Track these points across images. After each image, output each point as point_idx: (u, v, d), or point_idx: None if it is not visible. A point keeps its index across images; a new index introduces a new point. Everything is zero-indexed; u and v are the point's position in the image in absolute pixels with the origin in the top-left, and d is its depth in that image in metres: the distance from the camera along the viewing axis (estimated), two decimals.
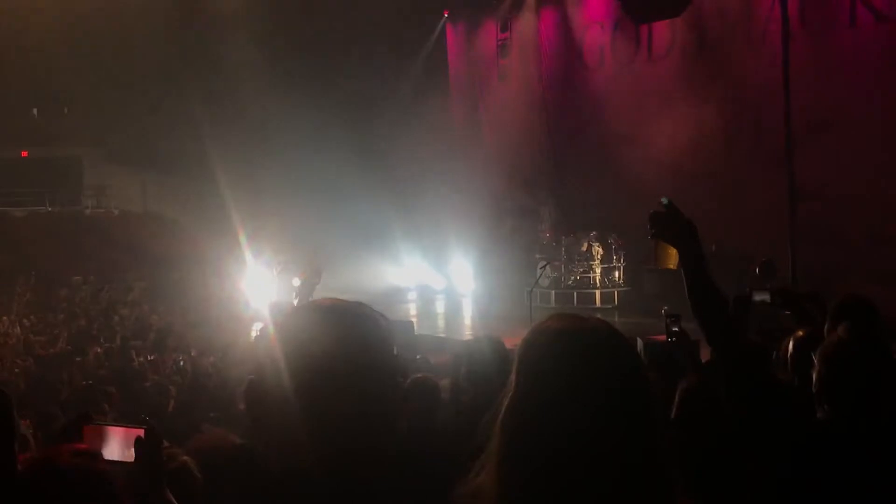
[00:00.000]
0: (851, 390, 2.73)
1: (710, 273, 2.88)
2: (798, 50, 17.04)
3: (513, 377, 1.75)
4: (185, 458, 2.92)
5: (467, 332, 18.43)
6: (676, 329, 5.32)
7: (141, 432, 2.44)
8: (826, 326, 3.99)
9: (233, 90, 24.04)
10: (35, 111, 28.23)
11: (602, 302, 20.04)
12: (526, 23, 23.51)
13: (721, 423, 3.36)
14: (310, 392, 1.65)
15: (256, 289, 20.46)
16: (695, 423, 3.85)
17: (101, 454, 2.42)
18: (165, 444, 2.61)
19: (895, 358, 2.79)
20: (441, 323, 20.73)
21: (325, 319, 1.75)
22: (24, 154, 27.98)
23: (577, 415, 1.64)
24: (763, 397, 2.75)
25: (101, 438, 2.47)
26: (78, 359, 12.20)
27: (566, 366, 1.70)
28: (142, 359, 12.17)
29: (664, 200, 2.89)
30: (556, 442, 1.63)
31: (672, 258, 2.96)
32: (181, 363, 11.93)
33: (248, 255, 20.78)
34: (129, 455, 2.43)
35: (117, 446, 2.45)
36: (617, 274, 20.43)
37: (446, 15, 25.43)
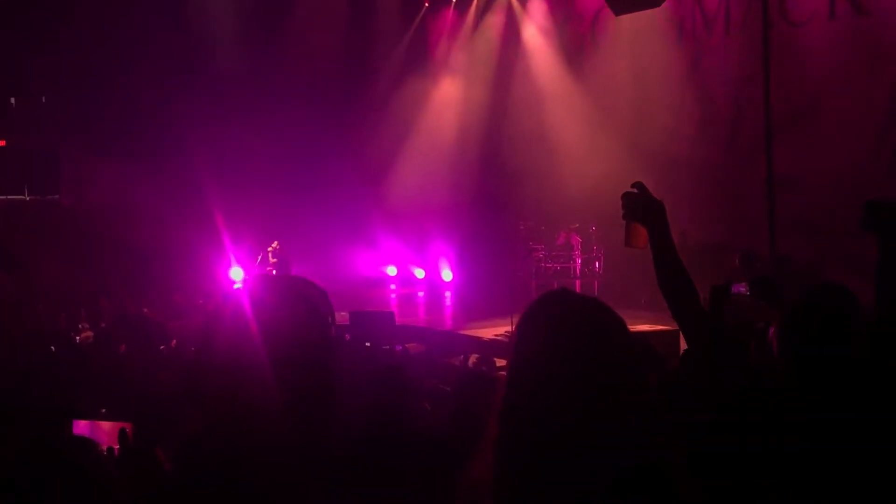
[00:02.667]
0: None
1: (677, 254, 2.95)
2: (777, 41, 17.12)
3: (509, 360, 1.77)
4: (153, 447, 2.92)
5: (448, 324, 18.47)
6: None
7: (128, 426, 2.46)
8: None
9: (211, 80, 23.93)
10: (13, 100, 27.97)
11: (582, 292, 20.09)
12: (506, 11, 23.54)
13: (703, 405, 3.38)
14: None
15: (237, 279, 20.42)
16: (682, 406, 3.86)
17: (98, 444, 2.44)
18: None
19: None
20: (422, 314, 20.74)
21: (274, 289, 1.76)
22: (2, 143, 27.75)
23: (568, 394, 1.66)
24: (739, 381, 2.77)
25: (89, 432, 2.48)
26: (53, 348, 12.14)
27: (556, 346, 1.73)
28: (124, 348, 12.12)
29: (635, 184, 2.99)
30: (549, 421, 1.64)
31: (642, 238, 3.04)
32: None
33: (228, 246, 20.73)
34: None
35: (105, 438, 2.46)
36: (597, 264, 20.47)
37: (427, 5, 25.38)
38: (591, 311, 1.79)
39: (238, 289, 1.77)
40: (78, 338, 14.23)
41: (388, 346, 12.05)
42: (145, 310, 17.19)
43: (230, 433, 1.65)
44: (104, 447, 2.42)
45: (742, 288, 4.45)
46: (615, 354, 1.73)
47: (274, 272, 20.11)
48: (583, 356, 1.70)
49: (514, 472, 1.66)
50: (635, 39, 20.79)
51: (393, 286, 24.53)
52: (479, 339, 15.52)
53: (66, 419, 2.70)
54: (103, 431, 2.45)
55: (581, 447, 1.63)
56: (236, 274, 20.40)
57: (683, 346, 12.35)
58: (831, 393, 2.71)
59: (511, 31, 23.40)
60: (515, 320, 1.89)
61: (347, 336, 13.08)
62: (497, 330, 16.15)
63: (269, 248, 20.63)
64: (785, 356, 2.90)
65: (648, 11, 18.79)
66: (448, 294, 22.87)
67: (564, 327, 1.75)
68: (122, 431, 2.44)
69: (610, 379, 1.69)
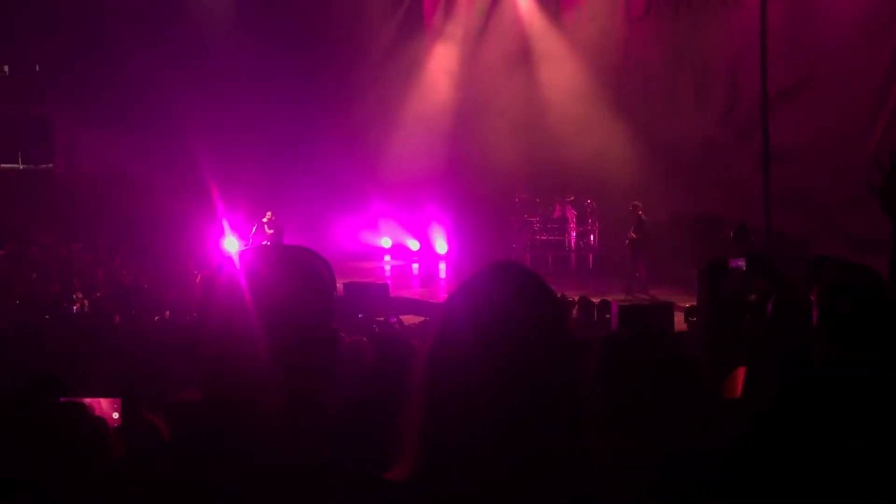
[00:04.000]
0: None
1: None
2: (775, 13, 17.05)
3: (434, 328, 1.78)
4: (151, 417, 2.92)
5: (442, 295, 18.47)
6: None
7: (117, 401, 2.45)
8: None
9: (205, 50, 23.80)
10: (6, 68, 27.81)
11: (577, 265, 20.12)
12: None
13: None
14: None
15: (231, 249, 20.39)
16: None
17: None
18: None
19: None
20: (416, 285, 20.75)
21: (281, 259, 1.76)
22: None
23: (492, 350, 1.67)
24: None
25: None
26: (47, 317, 12.14)
27: (478, 304, 1.75)
28: (118, 318, 12.13)
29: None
30: (472, 379, 1.66)
31: None
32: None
33: (221, 216, 20.68)
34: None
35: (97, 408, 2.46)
36: (592, 237, 20.48)
37: None
38: (526, 282, 1.80)
39: (235, 256, 1.76)
40: (75, 308, 14.22)
41: (382, 318, 12.06)
42: (139, 280, 17.18)
43: (227, 401, 1.65)
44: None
45: (739, 263, 4.44)
46: (545, 326, 1.74)
47: (268, 243, 20.08)
48: (515, 325, 1.71)
49: (439, 444, 1.67)
50: (631, 12, 20.71)
51: (387, 258, 24.52)
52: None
53: (56, 394, 2.70)
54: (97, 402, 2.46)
55: (508, 415, 1.65)
56: (230, 244, 20.37)
57: (678, 318, 12.36)
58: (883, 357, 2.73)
59: (507, 2, 23.26)
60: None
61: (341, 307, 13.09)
62: None
63: (264, 220, 20.59)
64: (831, 326, 2.89)
65: None
66: (443, 266, 22.86)
67: (495, 297, 1.75)
68: (120, 401, 2.45)
69: (540, 349, 1.71)
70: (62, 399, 2.54)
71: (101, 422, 2.39)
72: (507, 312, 1.73)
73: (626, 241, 17.19)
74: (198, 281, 15.28)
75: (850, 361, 2.76)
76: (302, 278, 1.73)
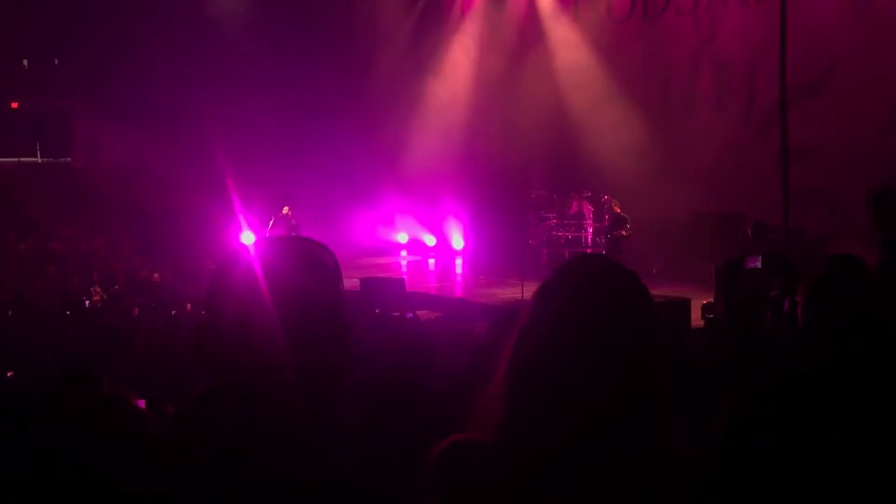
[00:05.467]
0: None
1: None
2: (794, 9, 16.96)
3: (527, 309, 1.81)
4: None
5: (459, 291, 18.50)
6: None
7: (142, 403, 2.48)
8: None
9: (224, 46, 23.86)
10: (25, 62, 27.96)
11: None
12: None
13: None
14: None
15: (248, 243, 20.41)
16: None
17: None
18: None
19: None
20: (433, 281, 20.76)
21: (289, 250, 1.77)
22: (14, 105, 27.77)
23: (581, 343, 1.72)
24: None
25: None
26: (68, 312, 12.20)
27: (574, 295, 1.78)
28: (137, 312, 12.18)
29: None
30: (559, 368, 1.71)
31: None
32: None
33: (238, 211, 20.73)
34: None
35: None
36: (614, 233, 20.39)
37: None
38: (614, 276, 1.84)
39: (245, 247, 1.76)
40: (88, 301, 14.29)
41: (398, 313, 12.07)
42: (156, 273, 17.26)
43: (239, 392, 1.66)
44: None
45: (756, 262, 4.45)
46: (634, 321, 1.78)
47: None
48: (600, 320, 1.75)
49: (522, 407, 1.72)
50: (650, 9, 20.64)
51: (404, 253, 24.53)
52: (489, 306, 15.53)
53: (89, 389, 2.74)
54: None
55: (587, 391, 1.70)
56: (247, 238, 20.42)
57: (695, 315, 12.33)
58: (866, 358, 2.69)
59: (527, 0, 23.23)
60: (527, 288, 1.93)
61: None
62: (508, 297, 16.17)
63: (281, 214, 20.66)
64: (812, 326, 2.87)
65: None
66: (459, 261, 22.86)
67: (582, 290, 1.79)
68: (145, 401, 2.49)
69: (627, 344, 1.75)
70: (103, 394, 2.57)
71: (144, 417, 2.42)
72: (597, 304, 1.77)
73: (612, 236, 17.31)
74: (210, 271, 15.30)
75: (833, 361, 2.74)
76: (309, 269, 1.74)
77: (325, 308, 1.71)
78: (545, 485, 1.68)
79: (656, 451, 1.71)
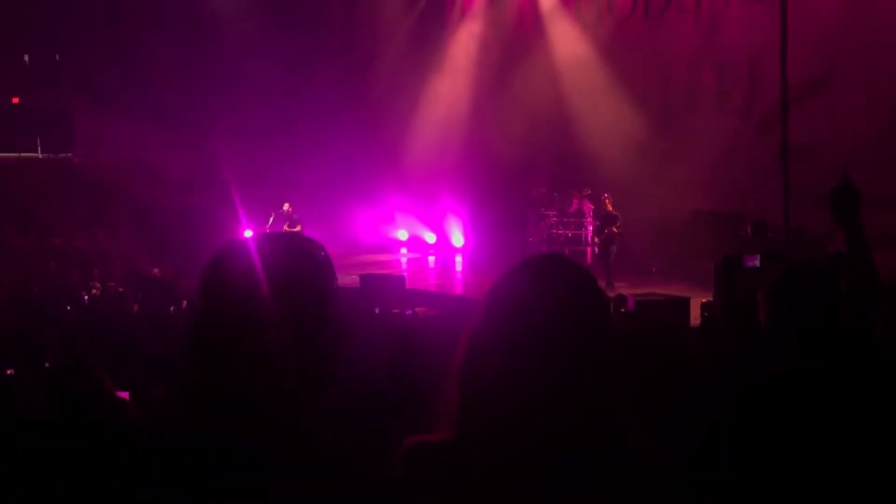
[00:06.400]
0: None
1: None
2: (795, 8, 16.95)
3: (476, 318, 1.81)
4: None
5: (459, 288, 18.50)
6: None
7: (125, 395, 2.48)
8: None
9: (226, 42, 23.86)
10: (26, 57, 27.94)
11: (594, 259, 20.07)
12: None
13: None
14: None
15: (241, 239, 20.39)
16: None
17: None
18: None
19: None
20: (432, 278, 20.76)
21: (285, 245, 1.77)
22: (15, 101, 27.76)
23: (532, 340, 1.73)
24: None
25: None
26: (69, 307, 12.20)
27: (525, 294, 1.79)
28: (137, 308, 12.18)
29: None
30: (511, 367, 1.72)
31: None
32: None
33: (239, 207, 20.73)
34: None
35: None
36: (605, 231, 20.40)
37: None
38: (564, 273, 1.84)
39: (236, 242, 1.76)
40: (87, 297, 14.28)
41: (398, 310, 12.06)
42: (156, 270, 17.26)
43: (233, 382, 1.66)
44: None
45: (755, 261, 4.44)
46: (585, 317, 1.79)
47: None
48: (552, 318, 1.76)
49: (476, 414, 1.75)
50: (652, 8, 20.63)
51: (404, 250, 24.53)
52: None
53: (85, 380, 2.76)
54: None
55: (543, 411, 1.71)
56: (247, 235, 20.42)
57: (694, 312, 12.33)
58: (824, 365, 2.66)
59: None
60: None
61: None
62: None
63: (282, 210, 20.67)
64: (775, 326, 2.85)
65: None
66: (459, 259, 22.86)
67: (533, 289, 1.81)
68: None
69: (581, 331, 1.76)
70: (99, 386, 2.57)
71: (129, 409, 2.42)
72: (551, 302, 1.77)
73: (603, 236, 17.36)
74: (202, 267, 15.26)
75: (795, 363, 2.73)
76: (299, 263, 1.74)
77: (316, 302, 1.71)
78: (502, 483, 1.69)
79: (616, 446, 1.73)
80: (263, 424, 1.62)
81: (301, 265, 1.73)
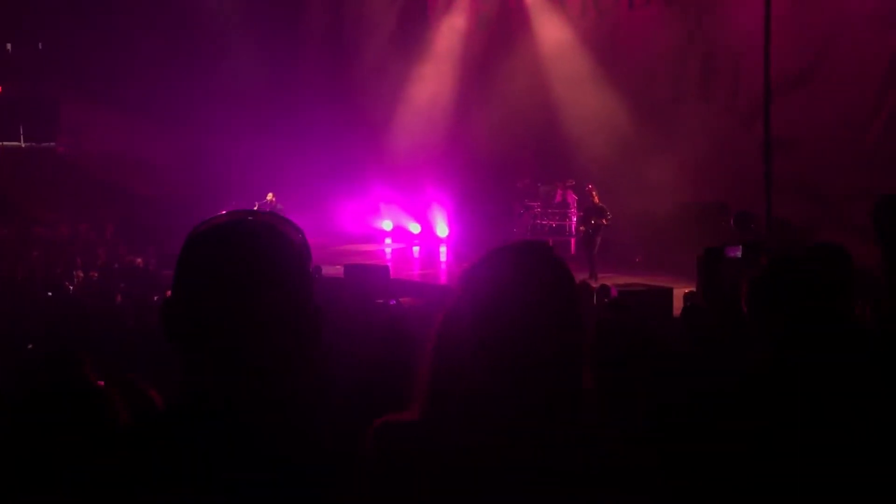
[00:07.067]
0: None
1: None
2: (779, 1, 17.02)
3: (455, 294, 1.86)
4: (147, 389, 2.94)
5: (443, 278, 18.50)
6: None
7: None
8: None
9: (208, 31, 23.77)
10: (8, 46, 27.77)
11: (577, 250, 20.11)
12: None
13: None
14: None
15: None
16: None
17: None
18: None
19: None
20: (417, 268, 20.76)
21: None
22: None
23: (503, 325, 1.77)
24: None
25: None
26: (50, 294, 12.16)
27: (496, 279, 1.84)
28: (120, 298, 12.14)
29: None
30: (483, 350, 1.77)
31: None
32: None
33: (224, 197, 20.69)
34: None
35: None
36: (592, 222, 20.44)
37: None
38: (536, 259, 1.88)
39: (215, 226, 1.73)
40: (70, 286, 14.23)
41: (382, 300, 12.06)
42: (139, 259, 17.21)
43: (209, 374, 1.64)
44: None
45: (736, 252, 4.46)
46: (557, 294, 1.83)
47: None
48: (522, 304, 1.81)
49: (444, 395, 1.80)
50: (635, 0, 20.67)
51: (388, 240, 24.52)
52: None
53: (74, 369, 2.75)
54: None
55: (510, 380, 1.76)
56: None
57: (677, 303, 12.38)
58: (813, 369, 2.65)
59: None
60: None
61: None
62: None
63: (266, 200, 20.62)
64: (759, 321, 2.82)
65: None
66: (443, 249, 22.87)
67: (505, 275, 1.86)
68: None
69: (551, 312, 1.81)
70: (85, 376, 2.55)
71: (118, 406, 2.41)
72: (520, 287, 1.81)
73: (588, 228, 17.39)
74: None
75: (777, 354, 2.72)
76: (276, 243, 1.70)
77: (292, 285, 1.68)
78: (468, 463, 1.73)
79: (583, 430, 1.76)
80: (243, 419, 1.60)
81: (277, 246, 1.70)
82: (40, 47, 27.56)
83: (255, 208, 20.36)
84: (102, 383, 2.45)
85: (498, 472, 1.71)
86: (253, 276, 1.64)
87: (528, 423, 1.73)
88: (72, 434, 2.24)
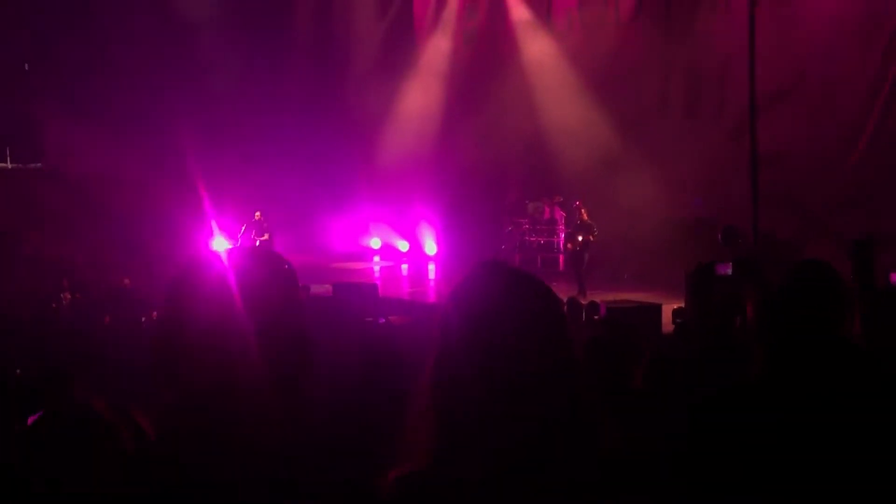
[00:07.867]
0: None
1: None
2: (764, 16, 17.11)
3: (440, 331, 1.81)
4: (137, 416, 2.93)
5: (432, 296, 18.50)
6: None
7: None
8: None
9: (194, 48, 23.77)
10: None
11: (566, 267, 20.13)
12: None
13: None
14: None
15: (220, 249, 20.33)
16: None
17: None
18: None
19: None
20: (405, 286, 20.75)
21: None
22: None
23: (497, 354, 1.73)
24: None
25: None
26: (37, 317, 12.09)
27: (480, 308, 1.78)
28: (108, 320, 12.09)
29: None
30: (483, 383, 1.71)
31: None
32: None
33: (210, 216, 20.66)
34: None
35: None
36: (580, 238, 20.47)
37: None
38: (517, 282, 1.85)
39: (201, 256, 1.74)
40: (57, 307, 14.17)
41: (370, 319, 12.05)
42: (126, 280, 17.14)
43: (208, 403, 1.64)
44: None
45: (727, 269, 4.47)
46: (548, 317, 1.80)
47: (258, 242, 20.11)
48: (509, 324, 1.76)
49: (452, 436, 1.73)
50: (622, 16, 20.77)
51: (377, 258, 24.51)
52: None
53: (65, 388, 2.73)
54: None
55: (514, 400, 1.71)
56: (219, 244, 20.34)
57: (666, 319, 12.39)
58: (817, 381, 2.64)
59: (497, 5, 23.27)
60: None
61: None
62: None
63: (253, 220, 20.60)
64: (766, 341, 2.84)
65: None
66: (432, 267, 22.87)
67: (489, 302, 1.80)
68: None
69: (542, 338, 1.77)
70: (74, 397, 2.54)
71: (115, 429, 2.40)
72: (499, 312, 1.76)
73: (576, 245, 17.43)
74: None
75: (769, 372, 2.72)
76: (270, 276, 1.72)
77: (286, 315, 1.69)
78: (487, 500, 1.68)
79: (588, 450, 1.73)
80: (232, 444, 1.60)
81: (270, 279, 1.71)
82: (26, 68, 27.50)
83: (243, 228, 20.42)
84: (103, 406, 2.44)
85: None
86: (244, 306, 1.64)
87: (535, 448, 1.70)
88: (82, 463, 2.22)
